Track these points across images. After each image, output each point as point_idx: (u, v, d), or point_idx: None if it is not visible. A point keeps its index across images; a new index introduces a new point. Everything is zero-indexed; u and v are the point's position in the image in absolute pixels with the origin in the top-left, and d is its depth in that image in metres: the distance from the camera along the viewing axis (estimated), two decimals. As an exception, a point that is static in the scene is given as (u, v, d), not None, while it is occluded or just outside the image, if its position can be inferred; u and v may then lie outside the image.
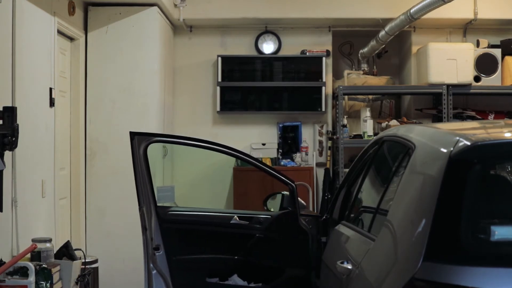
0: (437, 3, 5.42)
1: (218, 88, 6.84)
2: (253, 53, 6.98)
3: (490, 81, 6.56)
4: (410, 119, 6.89)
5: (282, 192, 4.14)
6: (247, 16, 6.68)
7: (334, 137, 6.86)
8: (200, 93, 7.04)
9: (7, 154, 3.76)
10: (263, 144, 6.91)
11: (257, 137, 6.99)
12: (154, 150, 4.69)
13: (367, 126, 6.57)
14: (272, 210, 4.26)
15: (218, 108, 6.85)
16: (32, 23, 4.54)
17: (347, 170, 4.43)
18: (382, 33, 6.38)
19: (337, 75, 7.28)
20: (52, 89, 4.87)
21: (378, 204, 2.84)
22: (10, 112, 3.64)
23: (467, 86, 6.54)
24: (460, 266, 2.09)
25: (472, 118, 6.66)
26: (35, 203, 4.58)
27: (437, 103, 6.84)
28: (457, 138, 2.37)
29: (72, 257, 4.40)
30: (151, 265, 3.92)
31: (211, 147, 4.15)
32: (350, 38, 7.30)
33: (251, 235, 4.16)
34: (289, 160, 6.73)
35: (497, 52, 6.57)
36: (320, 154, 7.03)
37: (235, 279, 4.17)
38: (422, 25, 6.82)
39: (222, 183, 6.82)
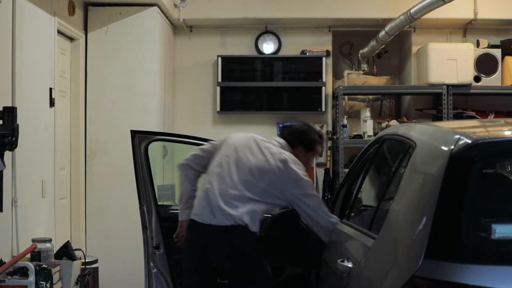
0: (437, 3, 5.41)
1: (218, 88, 6.83)
2: (253, 53, 6.97)
3: (490, 81, 6.55)
4: (410, 119, 6.88)
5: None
6: (247, 16, 6.68)
7: (334, 137, 6.85)
8: (200, 93, 7.02)
9: (7, 154, 3.76)
10: (263, 144, 6.88)
11: (257, 137, 6.96)
12: (154, 151, 4.69)
13: (367, 126, 6.56)
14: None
15: (218, 108, 6.85)
16: (32, 23, 4.54)
17: (347, 170, 4.43)
18: (382, 33, 6.37)
19: (337, 75, 7.28)
20: (52, 89, 4.87)
21: (378, 203, 2.83)
22: (10, 112, 3.64)
23: (467, 86, 6.53)
24: (461, 264, 2.08)
25: (472, 118, 6.64)
26: (35, 203, 4.57)
27: (437, 103, 6.83)
28: (458, 136, 2.36)
29: (72, 257, 4.40)
30: (152, 264, 3.92)
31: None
32: (350, 38, 7.29)
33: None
34: (289, 160, 6.71)
35: (497, 52, 6.56)
36: (320, 154, 7.00)
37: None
38: (422, 25, 6.81)
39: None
